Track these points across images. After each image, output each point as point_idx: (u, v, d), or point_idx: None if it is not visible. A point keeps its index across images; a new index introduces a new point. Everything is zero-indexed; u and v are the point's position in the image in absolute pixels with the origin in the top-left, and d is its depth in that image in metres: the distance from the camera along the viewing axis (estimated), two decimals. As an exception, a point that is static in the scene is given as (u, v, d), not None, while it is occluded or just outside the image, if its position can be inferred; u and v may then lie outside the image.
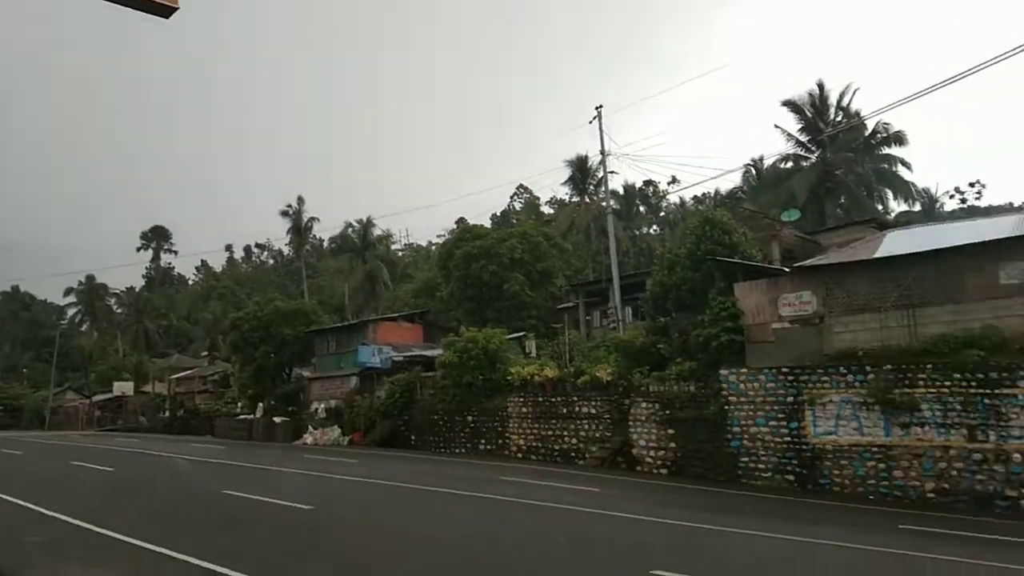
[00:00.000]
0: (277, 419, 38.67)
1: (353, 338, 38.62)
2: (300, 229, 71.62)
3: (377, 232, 69.38)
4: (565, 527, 12.93)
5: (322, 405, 37.31)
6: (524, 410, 26.80)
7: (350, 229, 69.48)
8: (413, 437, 30.96)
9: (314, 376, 40.32)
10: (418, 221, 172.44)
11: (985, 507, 16.24)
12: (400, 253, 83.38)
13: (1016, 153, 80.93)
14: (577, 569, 9.36)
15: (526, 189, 79.18)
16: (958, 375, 17.06)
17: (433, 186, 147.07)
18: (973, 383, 16.87)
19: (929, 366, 17.54)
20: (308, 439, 34.97)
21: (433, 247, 78.56)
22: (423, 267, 66.06)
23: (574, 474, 21.66)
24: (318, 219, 73.27)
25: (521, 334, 33.57)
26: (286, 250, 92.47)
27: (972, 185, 74.01)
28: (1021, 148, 79.83)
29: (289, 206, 71.06)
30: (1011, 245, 17.46)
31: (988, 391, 16.67)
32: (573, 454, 24.87)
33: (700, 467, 21.09)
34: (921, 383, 17.59)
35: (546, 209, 72.03)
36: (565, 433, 25.33)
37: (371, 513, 14.08)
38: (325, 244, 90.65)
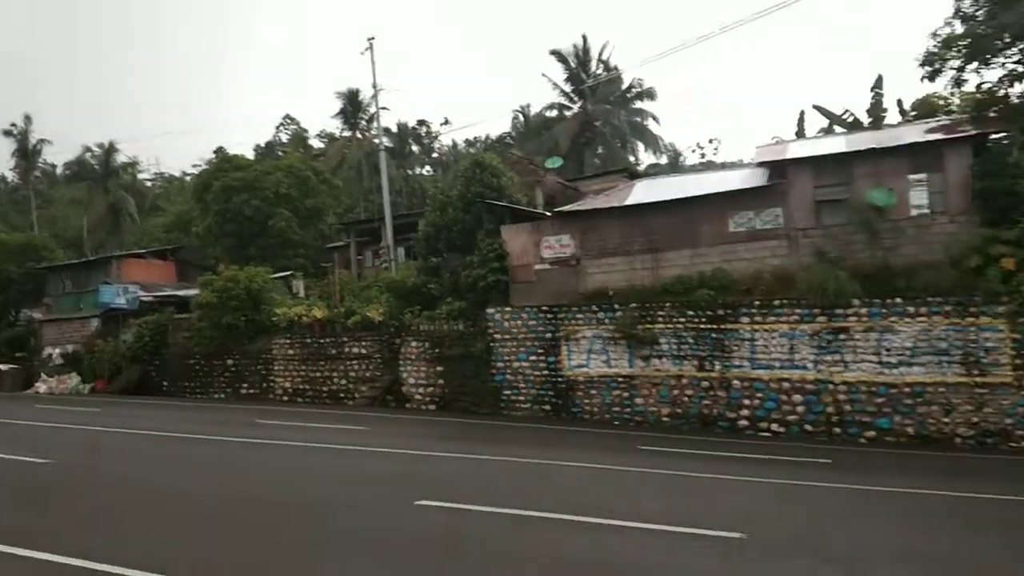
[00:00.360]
0: (3, 366, 34.24)
1: (94, 276, 34.92)
2: (27, 152, 62.66)
3: (122, 159, 62.54)
4: (333, 466, 12.90)
5: (58, 350, 33.53)
6: (291, 352, 26.07)
7: (89, 154, 61.95)
8: (166, 383, 28.97)
9: (47, 318, 36.07)
10: (170, 149, 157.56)
11: (709, 427, 18.63)
12: (149, 183, 75.82)
13: (745, 115, 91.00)
14: (345, 506, 9.41)
15: (293, 120, 75.34)
16: (692, 312, 19.17)
17: (189, 111, 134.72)
18: (704, 319, 19.06)
19: (668, 304, 19.52)
20: (41, 388, 31.40)
21: (188, 178, 72.26)
22: (176, 199, 60.66)
23: (343, 414, 21.59)
24: (50, 141, 64.53)
25: (288, 273, 32.31)
26: (10, 176, 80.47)
27: (711, 142, 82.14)
28: (748, 111, 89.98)
29: (13, 125, 61.85)
30: (738, 197, 19.79)
31: (716, 326, 18.93)
32: (342, 395, 24.72)
33: (466, 401, 21.95)
34: (661, 319, 19.55)
35: (315, 143, 69.14)
36: (334, 374, 25.07)
37: (117, 464, 13.04)
38: (59, 170, 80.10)
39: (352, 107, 54.75)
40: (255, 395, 26.47)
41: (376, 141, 42.74)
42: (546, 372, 20.98)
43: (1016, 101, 19.40)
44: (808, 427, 17.78)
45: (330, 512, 9.06)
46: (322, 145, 65.90)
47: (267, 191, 35.83)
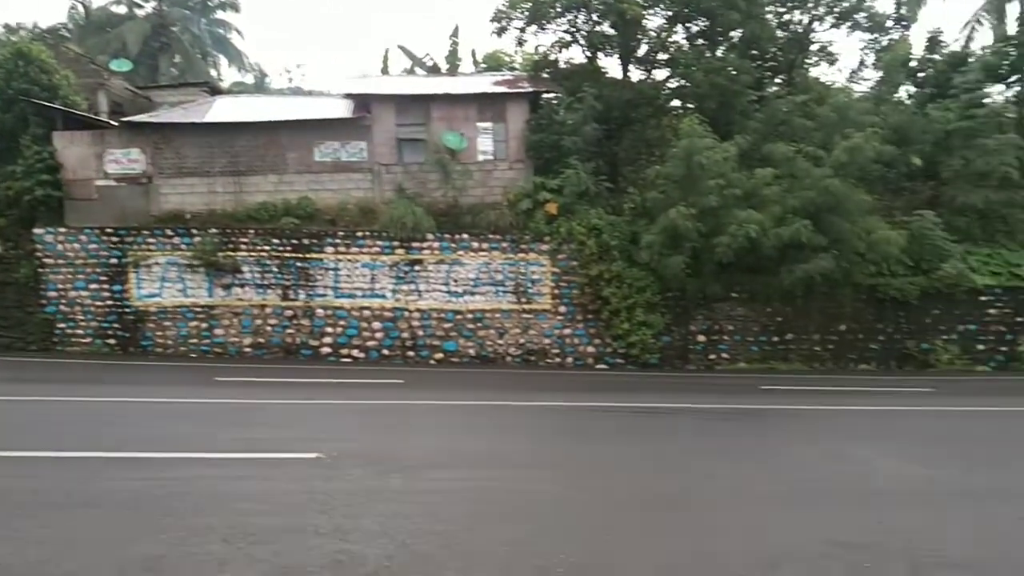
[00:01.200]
0: None
1: None
2: None
3: None
4: None
5: None
6: None
7: None
8: None
9: None
10: None
11: (292, 356, 18.86)
12: None
13: (328, 49, 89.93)
14: None
15: None
16: (276, 240, 18.93)
17: None
18: (288, 248, 18.96)
19: (252, 231, 18.99)
20: None
21: None
22: None
23: None
24: None
25: None
26: None
27: (298, 67, 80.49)
28: (333, 44, 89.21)
29: None
30: (325, 127, 19.84)
31: (301, 255, 18.99)
32: None
33: (7, 337, 18.90)
34: (244, 247, 18.95)
35: None
36: None
37: None
38: None
39: None
40: None
41: None
42: (111, 303, 18.97)
43: (563, 66, 22.55)
44: (386, 351, 19.01)
45: None
46: None
47: None
